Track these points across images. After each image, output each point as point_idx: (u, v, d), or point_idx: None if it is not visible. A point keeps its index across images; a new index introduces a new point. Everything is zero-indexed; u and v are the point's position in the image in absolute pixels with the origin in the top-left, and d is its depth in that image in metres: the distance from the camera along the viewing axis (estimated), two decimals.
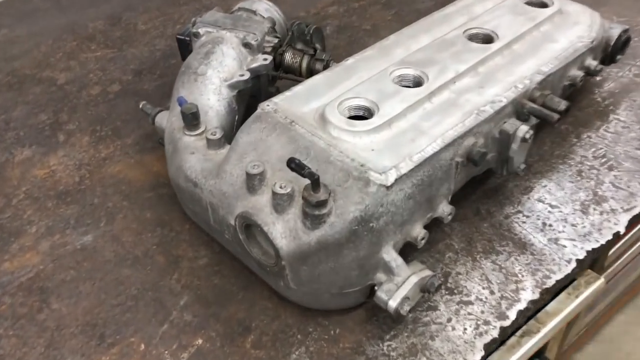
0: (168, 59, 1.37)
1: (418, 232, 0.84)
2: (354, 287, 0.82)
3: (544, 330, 0.97)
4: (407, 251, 0.86)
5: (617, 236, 0.94)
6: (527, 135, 0.88)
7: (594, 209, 0.97)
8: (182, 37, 1.12)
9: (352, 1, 1.51)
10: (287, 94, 0.90)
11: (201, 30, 1.07)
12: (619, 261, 1.47)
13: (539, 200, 0.99)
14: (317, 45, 1.08)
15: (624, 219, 0.95)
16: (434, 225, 0.90)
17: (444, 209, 0.87)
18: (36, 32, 1.49)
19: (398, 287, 0.79)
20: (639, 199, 0.98)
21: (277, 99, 0.88)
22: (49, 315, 0.88)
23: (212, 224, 0.91)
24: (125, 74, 1.34)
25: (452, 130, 0.83)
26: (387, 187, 0.75)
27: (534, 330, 0.97)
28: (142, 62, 1.37)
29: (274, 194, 0.77)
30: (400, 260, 0.80)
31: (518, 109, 0.91)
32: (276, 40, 1.07)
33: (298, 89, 0.91)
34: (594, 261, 1.22)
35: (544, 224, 0.96)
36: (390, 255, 0.80)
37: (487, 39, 1.01)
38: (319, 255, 0.77)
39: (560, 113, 0.90)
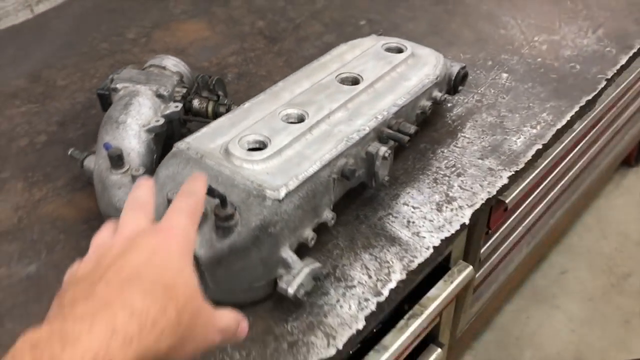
0: (88, 110, 1.55)
1: (308, 234, 1.07)
2: (261, 281, 1.04)
3: (427, 312, 1.25)
4: (303, 251, 1.08)
5: (464, 227, 1.22)
6: (387, 155, 1.14)
7: (446, 207, 1.24)
8: (102, 92, 1.31)
9: (249, 51, 1.76)
10: (197, 134, 1.11)
11: (119, 86, 1.27)
12: (494, 255, 1.79)
13: (405, 204, 1.25)
14: (220, 92, 1.30)
15: (468, 212, 1.23)
16: (323, 229, 1.14)
17: (327, 215, 1.11)
18: None
19: (294, 277, 1.01)
20: (479, 196, 1.26)
21: (189, 139, 1.10)
22: (3, 334, 1.04)
23: None
24: (50, 126, 1.51)
25: (328, 154, 1.08)
26: (280, 201, 0.98)
27: (419, 313, 1.25)
28: (64, 114, 1.54)
29: None
30: (295, 257, 1.03)
31: (379, 135, 1.17)
32: (184, 90, 1.29)
33: (206, 129, 1.13)
34: (467, 254, 1.51)
35: (409, 221, 1.22)
36: (287, 253, 1.02)
37: (355, 81, 1.27)
38: (231, 258, 0.98)
39: (410, 135, 1.17)
